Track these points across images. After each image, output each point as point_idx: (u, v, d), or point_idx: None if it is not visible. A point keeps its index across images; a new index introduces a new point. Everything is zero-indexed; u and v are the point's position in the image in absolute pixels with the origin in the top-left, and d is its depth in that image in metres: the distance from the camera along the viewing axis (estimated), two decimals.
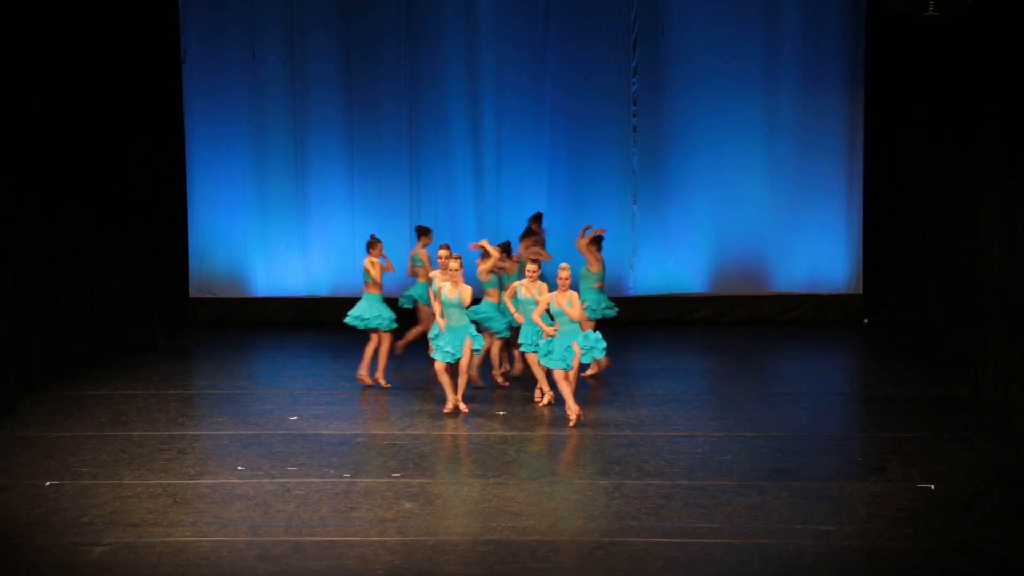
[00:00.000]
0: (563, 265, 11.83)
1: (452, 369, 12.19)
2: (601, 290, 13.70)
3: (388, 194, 17.25)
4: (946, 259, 14.59)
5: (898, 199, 16.73)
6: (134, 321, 15.33)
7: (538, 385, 12.47)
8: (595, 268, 13.64)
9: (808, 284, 17.14)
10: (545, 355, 11.73)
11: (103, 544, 8.63)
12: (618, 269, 16.77)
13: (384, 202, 17.24)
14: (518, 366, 13.64)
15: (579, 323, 11.82)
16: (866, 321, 17.00)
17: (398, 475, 10.13)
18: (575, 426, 11.53)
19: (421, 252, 14.32)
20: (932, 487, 9.66)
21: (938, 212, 14.89)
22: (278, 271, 17.38)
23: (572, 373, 11.75)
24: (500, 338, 13.28)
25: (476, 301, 12.90)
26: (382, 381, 13.25)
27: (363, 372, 13.32)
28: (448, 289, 12.00)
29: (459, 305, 11.95)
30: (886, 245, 17.01)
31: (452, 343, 11.97)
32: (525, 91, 17.07)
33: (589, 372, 13.36)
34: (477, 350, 12.16)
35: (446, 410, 12.10)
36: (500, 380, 13.36)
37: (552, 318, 11.85)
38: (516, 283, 12.36)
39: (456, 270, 12.00)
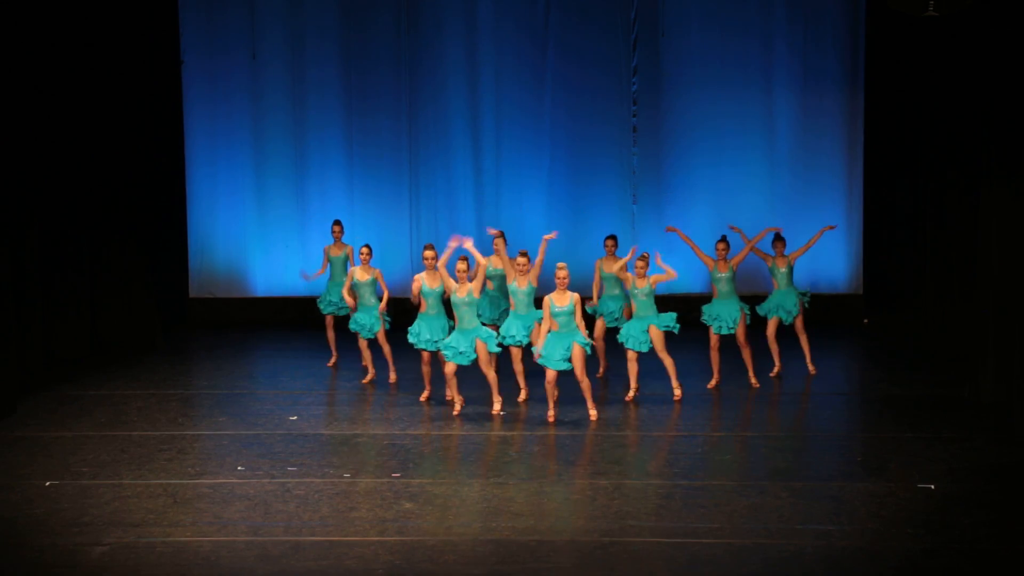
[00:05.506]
0: (560, 264, 11.81)
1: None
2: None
3: (387, 192, 17.20)
4: (946, 259, 14.57)
5: (898, 199, 16.69)
6: (134, 321, 15.32)
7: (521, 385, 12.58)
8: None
9: (808, 284, 17.08)
10: (545, 357, 11.69)
11: (103, 544, 8.63)
12: None
13: (384, 200, 17.19)
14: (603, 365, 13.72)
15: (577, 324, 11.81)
16: (866, 321, 16.98)
17: (398, 475, 10.13)
18: (553, 422, 11.64)
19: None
20: (932, 487, 9.66)
21: (938, 212, 14.88)
22: (278, 271, 17.35)
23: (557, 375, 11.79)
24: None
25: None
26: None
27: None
28: (457, 289, 11.96)
29: (471, 304, 11.91)
30: (886, 245, 16.98)
31: (465, 344, 11.93)
32: (525, 90, 17.04)
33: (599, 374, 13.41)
34: (495, 350, 11.99)
35: (456, 411, 12.07)
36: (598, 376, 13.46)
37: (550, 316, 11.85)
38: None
39: (464, 271, 11.98)
